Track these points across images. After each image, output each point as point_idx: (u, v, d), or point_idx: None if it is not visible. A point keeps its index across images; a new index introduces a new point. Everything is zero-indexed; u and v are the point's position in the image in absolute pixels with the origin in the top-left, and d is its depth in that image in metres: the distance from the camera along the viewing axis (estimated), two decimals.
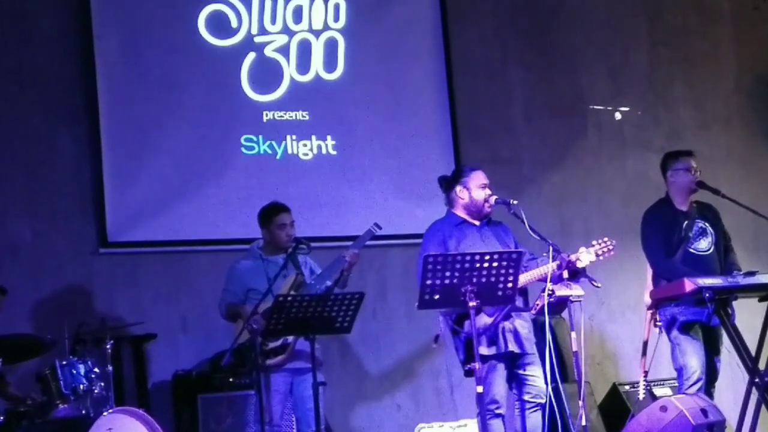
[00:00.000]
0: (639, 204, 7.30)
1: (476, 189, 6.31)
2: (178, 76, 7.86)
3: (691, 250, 6.72)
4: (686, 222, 6.76)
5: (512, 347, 6.09)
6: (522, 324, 6.15)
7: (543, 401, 6.20)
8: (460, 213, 6.36)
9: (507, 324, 6.10)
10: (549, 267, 6.04)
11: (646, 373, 7.04)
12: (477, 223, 6.34)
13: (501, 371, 6.11)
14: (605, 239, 6.24)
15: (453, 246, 6.21)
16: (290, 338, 6.42)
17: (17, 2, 7.61)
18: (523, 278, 6.06)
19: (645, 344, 6.95)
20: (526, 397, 6.18)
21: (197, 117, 7.88)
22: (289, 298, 6.05)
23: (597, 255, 6.18)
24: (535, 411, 6.19)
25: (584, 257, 6.10)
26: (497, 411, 6.09)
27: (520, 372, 6.19)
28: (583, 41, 9.11)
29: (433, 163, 8.40)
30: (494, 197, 6.28)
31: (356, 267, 6.59)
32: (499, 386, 6.10)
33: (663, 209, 6.85)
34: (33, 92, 7.56)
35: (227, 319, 6.69)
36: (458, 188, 6.35)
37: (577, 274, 6.10)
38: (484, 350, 6.00)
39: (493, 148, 8.58)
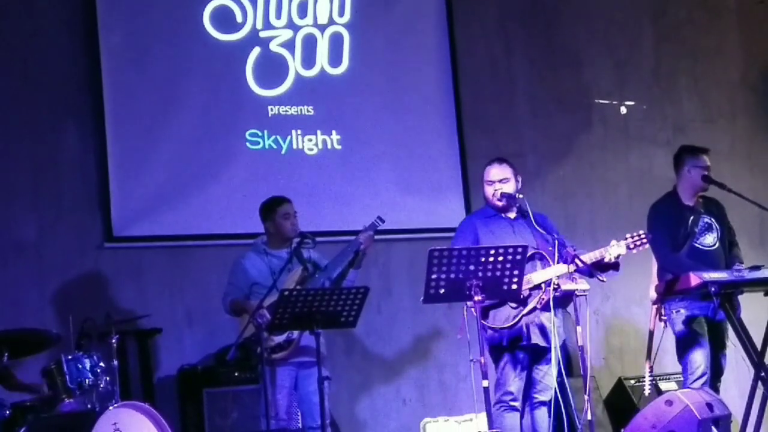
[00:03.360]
0: (644, 198, 7.30)
1: (485, 185, 6.34)
2: (183, 71, 7.86)
3: (697, 245, 6.73)
4: (692, 217, 6.76)
5: (536, 340, 6.10)
6: (548, 317, 6.11)
7: (549, 398, 6.21)
8: (491, 206, 6.37)
9: (533, 317, 6.10)
10: (556, 269, 6.01)
11: (651, 368, 7.03)
12: (511, 215, 6.32)
13: (521, 364, 6.13)
14: (640, 232, 6.05)
15: (487, 237, 6.19)
16: (295, 333, 6.42)
17: None
18: (537, 277, 6.04)
19: (650, 339, 6.96)
20: (535, 394, 6.19)
21: (202, 112, 7.88)
22: (294, 293, 6.06)
23: (629, 248, 6.01)
24: (541, 408, 6.20)
25: (614, 250, 5.99)
26: (512, 403, 6.11)
27: (537, 367, 6.19)
28: (588, 35, 9.10)
29: (437, 157, 8.41)
30: (500, 192, 6.27)
31: (371, 250, 6.63)
32: (516, 379, 6.12)
33: (669, 204, 6.85)
34: (38, 87, 7.56)
35: (231, 314, 6.70)
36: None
37: (607, 268, 6.05)
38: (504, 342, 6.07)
39: (498, 142, 8.56)
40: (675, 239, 6.71)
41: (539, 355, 6.19)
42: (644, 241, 6.05)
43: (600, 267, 6.04)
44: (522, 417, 6.24)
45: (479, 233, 6.27)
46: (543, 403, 6.22)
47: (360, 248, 6.55)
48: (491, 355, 6.26)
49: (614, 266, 6.05)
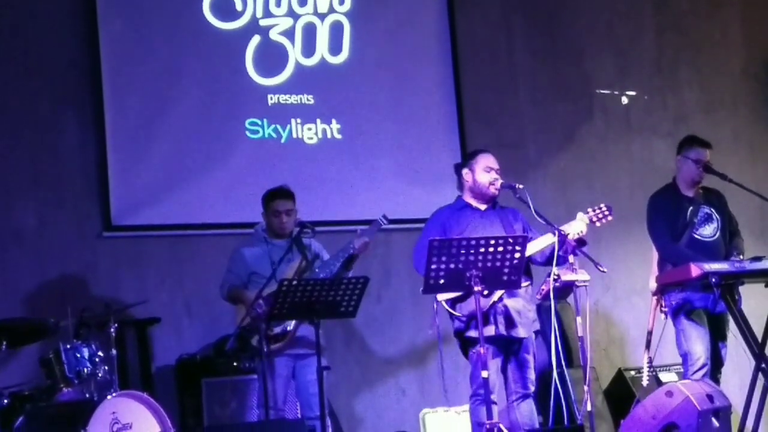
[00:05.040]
0: (645, 188, 7.28)
1: (481, 171, 6.27)
2: (182, 59, 7.84)
3: (696, 236, 6.71)
4: (691, 208, 6.75)
5: (502, 330, 6.04)
6: (514, 306, 6.10)
7: (530, 390, 6.16)
8: (466, 197, 6.34)
9: (498, 306, 6.05)
10: (552, 238, 5.98)
11: (650, 359, 7.02)
12: (482, 207, 6.30)
13: (490, 356, 6.02)
14: (601, 206, 6.19)
15: (455, 231, 6.17)
16: (291, 325, 6.40)
17: None
18: (530, 249, 5.99)
19: (649, 331, 6.94)
20: (514, 387, 6.14)
21: (202, 100, 7.86)
22: (294, 283, 6.04)
23: (591, 221, 6.13)
24: (524, 401, 6.15)
25: (574, 225, 6.04)
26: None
27: (513, 359, 6.15)
28: (589, 25, 9.07)
29: (438, 147, 8.39)
30: (500, 181, 6.24)
31: (366, 253, 6.60)
32: (489, 372, 6.03)
33: (669, 194, 6.84)
34: (37, 76, 7.53)
35: (228, 301, 6.69)
36: (464, 171, 6.34)
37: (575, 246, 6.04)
38: (473, 333, 5.96)
39: (499, 132, 8.55)
40: (674, 230, 6.69)
41: (510, 346, 6.13)
42: (606, 213, 6.12)
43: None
44: (510, 411, 6.20)
45: (446, 225, 6.22)
46: (525, 396, 6.15)
47: (353, 253, 6.50)
48: (460, 348, 6.23)
49: (580, 241, 6.10)
